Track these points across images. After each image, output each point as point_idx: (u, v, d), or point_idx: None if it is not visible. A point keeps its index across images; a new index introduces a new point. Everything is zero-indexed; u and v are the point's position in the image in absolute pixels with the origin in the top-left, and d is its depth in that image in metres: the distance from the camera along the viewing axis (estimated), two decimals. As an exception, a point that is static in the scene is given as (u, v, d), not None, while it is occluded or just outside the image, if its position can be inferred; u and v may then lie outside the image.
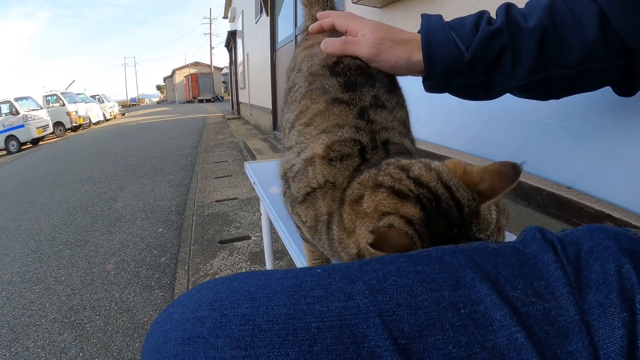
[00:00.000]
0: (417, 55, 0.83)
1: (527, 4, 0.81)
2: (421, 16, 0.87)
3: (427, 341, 0.44)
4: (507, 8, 0.79)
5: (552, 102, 1.15)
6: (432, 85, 0.86)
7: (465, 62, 0.78)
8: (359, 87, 0.85)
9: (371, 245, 0.58)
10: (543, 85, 0.79)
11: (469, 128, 1.49)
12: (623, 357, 0.42)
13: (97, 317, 2.58)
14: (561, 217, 1.76)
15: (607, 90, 0.88)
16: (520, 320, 0.45)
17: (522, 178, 1.98)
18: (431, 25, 0.83)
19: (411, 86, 0.97)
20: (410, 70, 0.87)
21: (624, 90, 0.82)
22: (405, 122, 0.91)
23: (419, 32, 0.86)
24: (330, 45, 0.90)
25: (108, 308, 2.68)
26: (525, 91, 0.82)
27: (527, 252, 0.53)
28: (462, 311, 0.46)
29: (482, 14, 0.82)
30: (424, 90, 0.90)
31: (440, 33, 0.81)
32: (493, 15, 0.83)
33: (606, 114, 1.00)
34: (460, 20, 0.83)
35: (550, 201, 1.80)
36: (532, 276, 0.49)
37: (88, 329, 2.47)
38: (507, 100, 0.95)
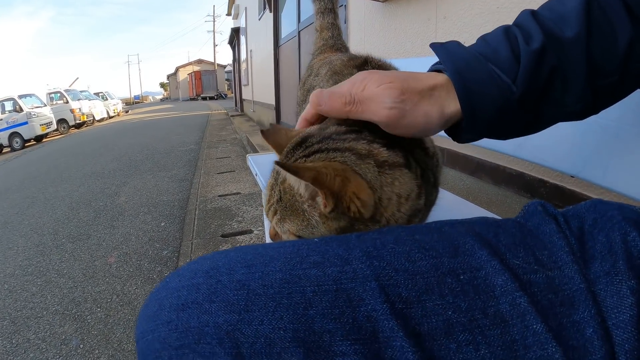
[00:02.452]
0: (451, 106, 0.61)
1: (546, 6, 0.65)
2: (432, 47, 0.66)
3: (426, 306, 0.44)
4: (534, 16, 0.63)
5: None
6: (471, 137, 0.65)
7: (515, 100, 0.59)
8: None
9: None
10: (591, 102, 0.63)
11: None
12: (633, 327, 0.41)
13: (98, 309, 2.59)
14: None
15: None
16: (523, 286, 0.44)
17: (526, 169, 1.99)
18: (459, 58, 0.61)
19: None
20: (443, 127, 0.64)
21: None
22: None
23: (434, 69, 0.66)
24: (326, 102, 0.64)
25: (109, 300, 2.68)
26: (573, 116, 0.65)
27: (528, 224, 0.53)
28: (462, 277, 0.46)
29: (508, 31, 0.63)
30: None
31: (477, 68, 0.60)
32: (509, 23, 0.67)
33: None
34: (486, 44, 0.63)
35: (554, 193, 1.79)
36: (533, 245, 0.49)
37: (89, 321, 2.48)
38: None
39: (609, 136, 0.99)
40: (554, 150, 1.14)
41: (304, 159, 0.64)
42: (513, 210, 2.00)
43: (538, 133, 1.12)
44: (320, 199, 0.60)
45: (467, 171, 2.39)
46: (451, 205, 1.34)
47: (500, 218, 0.56)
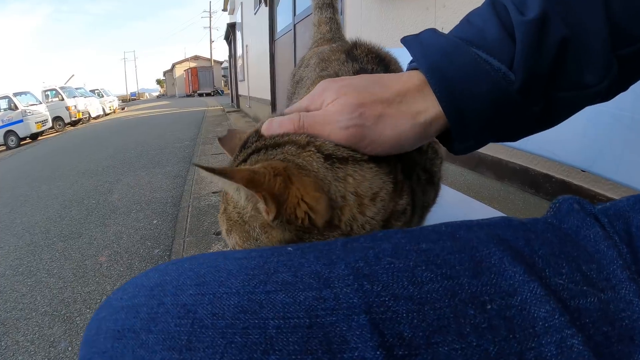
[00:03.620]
0: (430, 110, 0.49)
1: None
2: (403, 42, 0.55)
3: (438, 352, 0.32)
4: None
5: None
6: (466, 147, 0.53)
7: (515, 90, 0.46)
8: None
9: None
10: (616, 75, 0.48)
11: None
12: None
13: (88, 311, 2.54)
14: (569, 203, 1.67)
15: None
16: (573, 319, 0.33)
17: (530, 163, 1.92)
18: (433, 50, 0.49)
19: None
20: (423, 137, 0.51)
21: None
22: None
23: (410, 68, 0.54)
24: (276, 128, 0.56)
25: (99, 301, 2.62)
26: (600, 97, 0.50)
27: (564, 227, 0.42)
28: (489, 306, 0.34)
29: (495, 2, 0.50)
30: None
31: (458, 57, 0.47)
32: None
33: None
34: (469, 25, 0.51)
35: (560, 188, 1.72)
36: (577, 257, 0.38)
37: (78, 322, 2.44)
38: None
39: (622, 127, 0.93)
40: (564, 142, 1.07)
41: (242, 164, 0.56)
42: (517, 207, 1.94)
43: None
44: (261, 206, 0.50)
45: (468, 166, 2.33)
46: (453, 203, 1.27)
47: (523, 219, 0.45)
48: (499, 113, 0.47)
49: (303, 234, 0.51)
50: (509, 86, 0.45)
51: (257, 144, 0.56)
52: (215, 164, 3.50)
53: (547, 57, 0.45)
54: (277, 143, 0.54)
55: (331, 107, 0.51)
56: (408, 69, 0.54)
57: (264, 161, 0.52)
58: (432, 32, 0.52)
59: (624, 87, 0.52)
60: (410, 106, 0.49)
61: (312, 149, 0.52)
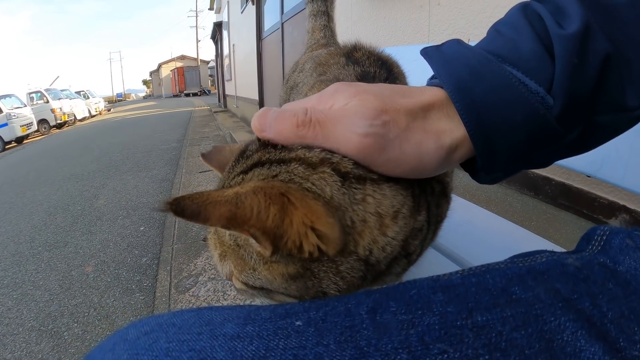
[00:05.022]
0: (457, 131, 0.42)
1: None
2: (424, 54, 0.47)
3: None
4: None
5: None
6: (494, 177, 0.47)
7: (555, 117, 0.39)
8: (377, 80, 0.67)
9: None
10: None
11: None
12: None
13: (75, 325, 2.47)
14: (572, 208, 1.64)
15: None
16: None
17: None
18: (460, 66, 0.42)
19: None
20: (447, 163, 0.43)
21: None
22: None
23: (430, 84, 0.46)
24: (272, 125, 0.44)
25: (86, 314, 2.56)
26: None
27: (621, 270, 0.36)
28: None
29: (526, 9, 0.44)
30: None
31: (488, 76, 0.40)
32: None
33: None
34: (499, 36, 0.44)
35: (560, 191, 1.68)
36: None
37: (66, 337, 2.36)
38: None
39: (630, 131, 0.86)
40: None
41: (242, 175, 0.46)
42: (515, 210, 1.89)
43: None
44: (253, 242, 0.41)
45: (464, 168, 2.27)
46: (453, 207, 1.21)
47: (571, 256, 0.39)
48: (534, 142, 0.41)
49: (311, 264, 0.43)
50: (547, 113, 0.39)
51: (260, 156, 0.46)
52: (203, 166, 3.41)
53: (589, 78, 0.38)
54: (282, 158, 0.44)
55: (349, 106, 0.41)
56: (429, 85, 0.46)
57: (264, 177, 0.44)
58: (457, 43, 0.45)
59: None
60: (435, 124, 0.42)
61: (327, 169, 0.42)
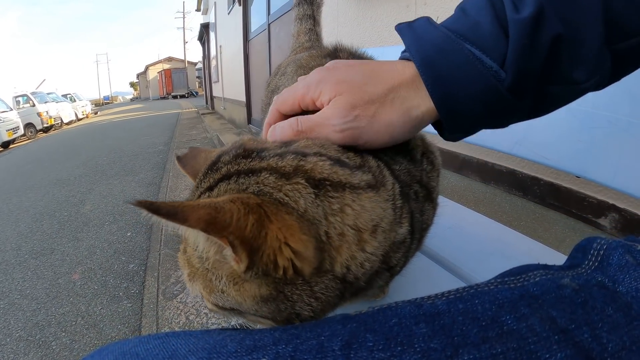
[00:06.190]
0: (422, 106, 0.51)
1: None
2: (398, 30, 0.55)
3: None
4: None
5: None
6: (457, 136, 0.56)
7: (506, 88, 0.47)
8: None
9: None
10: (608, 70, 0.50)
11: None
12: None
13: (63, 334, 2.43)
14: (560, 208, 1.63)
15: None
16: None
17: (517, 165, 1.85)
18: (427, 44, 0.50)
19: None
20: (416, 128, 0.54)
21: None
22: None
23: (403, 57, 0.55)
24: (279, 134, 0.56)
25: (74, 323, 2.52)
26: (589, 91, 0.51)
27: (621, 291, 0.35)
28: None
29: None
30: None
31: (451, 53, 0.48)
32: None
33: (619, 94, 0.88)
34: (464, 16, 0.50)
35: (548, 191, 1.68)
36: None
37: (54, 347, 2.33)
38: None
39: (618, 131, 0.89)
40: (558, 147, 1.04)
41: (207, 193, 0.46)
42: (504, 210, 1.89)
43: (538, 129, 1.00)
44: (229, 253, 0.41)
45: (452, 168, 2.28)
46: (440, 211, 1.20)
47: (567, 273, 0.37)
48: (490, 110, 0.49)
49: (284, 286, 0.42)
50: (501, 84, 0.47)
51: (229, 168, 0.47)
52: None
53: (539, 55, 0.45)
54: (252, 169, 0.45)
55: (327, 110, 0.52)
56: (401, 58, 0.55)
57: (233, 192, 0.43)
58: (427, 22, 0.52)
59: (617, 79, 0.53)
60: (403, 102, 0.51)
61: (300, 179, 0.44)
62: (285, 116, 0.59)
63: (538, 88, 0.48)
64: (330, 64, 0.57)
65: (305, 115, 0.55)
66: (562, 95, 0.51)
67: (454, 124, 0.52)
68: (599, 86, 0.52)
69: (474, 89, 0.47)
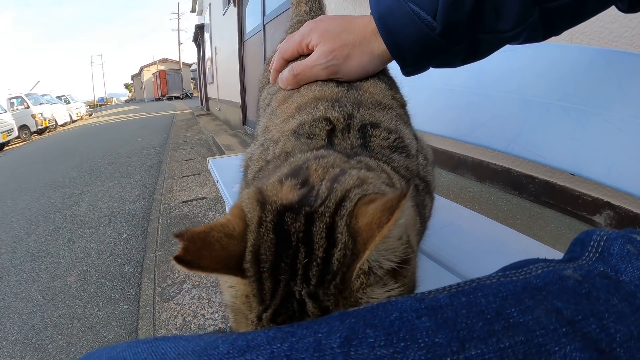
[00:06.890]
0: (380, 47, 0.71)
1: None
2: None
3: None
4: None
5: (551, 79, 1.02)
6: (410, 71, 0.74)
7: (437, 34, 0.64)
8: None
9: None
10: (541, 25, 0.63)
11: (456, 110, 1.34)
12: None
13: (60, 337, 2.41)
14: (556, 206, 1.63)
15: (612, 64, 0.85)
16: None
17: (512, 164, 1.84)
18: (382, 4, 0.68)
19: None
20: (381, 64, 0.75)
21: (631, 3, 0.64)
22: (403, 106, 0.79)
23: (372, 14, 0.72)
24: (284, 81, 0.78)
25: (70, 326, 2.50)
26: (521, 39, 0.66)
27: (624, 280, 0.34)
28: None
29: None
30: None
31: (397, 10, 0.66)
32: None
33: (612, 91, 0.90)
34: None
35: (543, 189, 1.68)
36: None
37: (50, 350, 2.31)
38: (500, 77, 0.94)
39: (613, 129, 0.90)
40: (552, 145, 1.05)
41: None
42: (499, 209, 1.89)
43: (533, 127, 1.02)
44: None
45: (448, 168, 2.28)
46: (436, 208, 1.20)
47: (568, 265, 0.37)
48: (427, 50, 0.68)
49: None
50: (433, 32, 0.64)
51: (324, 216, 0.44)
52: (186, 170, 3.37)
53: (465, 9, 0.61)
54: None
55: (314, 55, 0.73)
56: (371, 13, 0.72)
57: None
58: None
59: (555, 33, 0.68)
60: (369, 45, 0.71)
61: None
62: (287, 62, 0.81)
63: (469, 35, 0.65)
64: (319, 17, 0.78)
65: (298, 62, 0.76)
66: (491, 42, 0.67)
67: (403, 62, 0.71)
68: (530, 39, 0.67)
69: (413, 36, 0.65)
